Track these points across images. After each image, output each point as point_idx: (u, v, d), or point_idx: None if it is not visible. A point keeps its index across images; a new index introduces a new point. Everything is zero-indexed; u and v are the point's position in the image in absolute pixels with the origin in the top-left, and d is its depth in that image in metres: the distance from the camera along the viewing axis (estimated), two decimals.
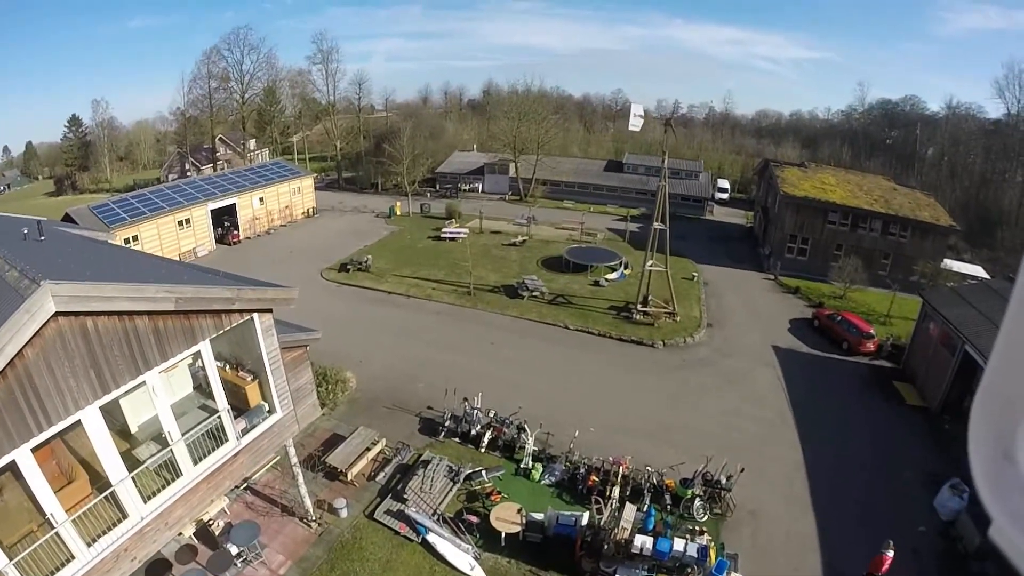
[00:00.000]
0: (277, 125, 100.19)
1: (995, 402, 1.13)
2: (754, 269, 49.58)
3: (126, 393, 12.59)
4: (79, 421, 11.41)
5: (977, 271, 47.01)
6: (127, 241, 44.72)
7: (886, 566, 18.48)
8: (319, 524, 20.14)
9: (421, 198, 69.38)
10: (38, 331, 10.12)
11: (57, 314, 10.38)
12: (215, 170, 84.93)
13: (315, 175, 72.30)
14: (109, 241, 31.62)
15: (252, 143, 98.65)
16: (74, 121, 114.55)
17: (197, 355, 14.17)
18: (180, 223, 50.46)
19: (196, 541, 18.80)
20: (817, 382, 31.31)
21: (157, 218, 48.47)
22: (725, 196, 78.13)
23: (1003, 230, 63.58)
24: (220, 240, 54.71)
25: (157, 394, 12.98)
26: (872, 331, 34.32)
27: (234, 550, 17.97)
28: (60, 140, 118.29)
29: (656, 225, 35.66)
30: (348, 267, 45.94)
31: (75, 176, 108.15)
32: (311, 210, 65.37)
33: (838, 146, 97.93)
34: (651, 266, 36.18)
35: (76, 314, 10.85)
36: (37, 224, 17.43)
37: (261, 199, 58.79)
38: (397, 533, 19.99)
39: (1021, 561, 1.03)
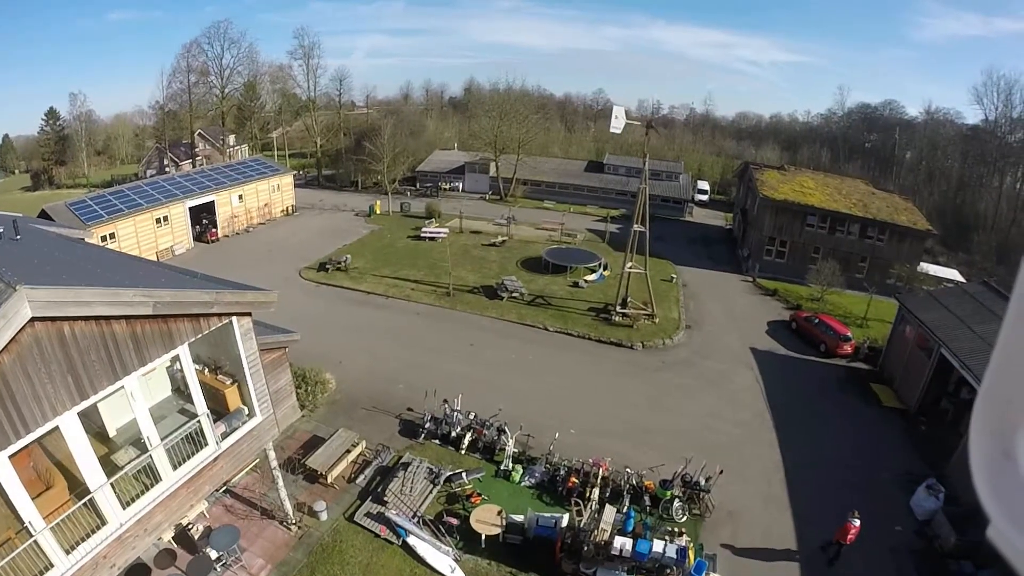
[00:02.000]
0: (257, 121, 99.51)
1: (996, 401, 1.13)
2: (733, 271, 50.06)
3: (104, 398, 12.47)
4: (57, 427, 11.29)
5: (953, 275, 47.63)
6: (104, 239, 44.26)
7: (851, 534, 19.29)
8: (299, 527, 20.07)
9: (401, 197, 69.14)
10: (14, 337, 9.96)
11: (34, 319, 10.23)
12: (194, 166, 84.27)
13: (295, 172, 71.83)
14: (86, 239, 31.28)
15: (232, 139, 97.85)
16: (51, 114, 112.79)
17: (176, 359, 14.07)
18: (158, 220, 49.89)
19: (175, 545, 18.65)
20: (795, 384, 31.63)
21: (135, 215, 47.87)
22: (705, 198, 78.71)
23: (979, 234, 64.41)
24: (198, 238, 54.15)
25: (135, 399, 12.86)
26: (849, 334, 34.71)
27: (214, 554, 17.85)
28: (37, 133, 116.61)
29: (636, 227, 35.80)
30: (327, 266, 45.71)
31: (52, 170, 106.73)
32: (290, 208, 64.97)
33: (817, 149, 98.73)
34: (630, 268, 36.31)
35: (53, 319, 10.71)
36: (13, 222, 17.22)
37: (240, 196, 58.31)
38: (377, 536, 19.95)
39: (1020, 562, 1.03)
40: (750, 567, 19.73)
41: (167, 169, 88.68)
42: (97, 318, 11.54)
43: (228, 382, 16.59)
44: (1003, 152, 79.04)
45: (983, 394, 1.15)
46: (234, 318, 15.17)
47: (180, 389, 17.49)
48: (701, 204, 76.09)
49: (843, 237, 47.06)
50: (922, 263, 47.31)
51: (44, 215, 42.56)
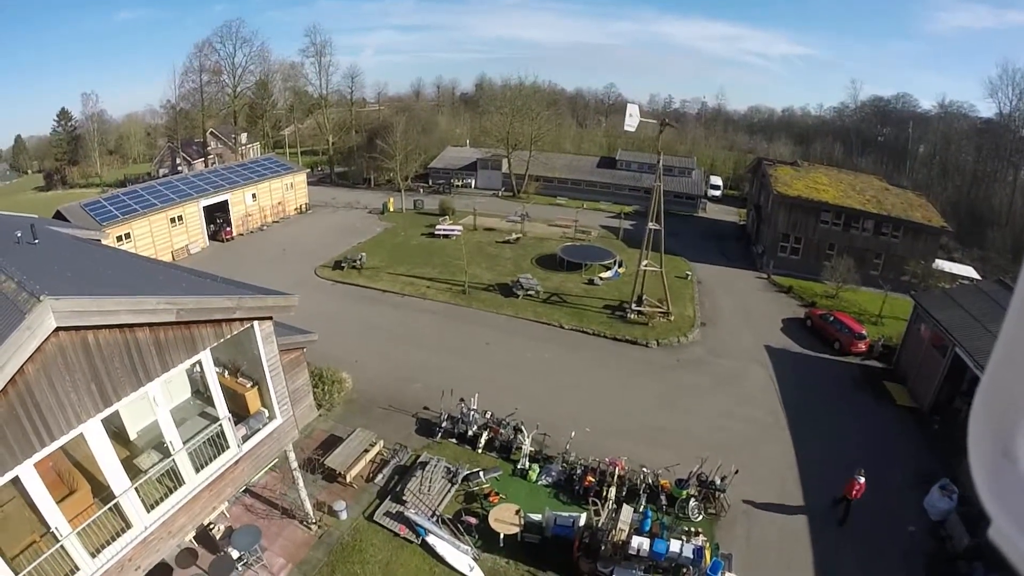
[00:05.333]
0: (269, 119, 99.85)
1: (995, 400, 1.13)
2: (747, 268, 49.84)
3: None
4: (81, 434, 11.43)
5: (968, 271, 47.30)
6: (119, 239, 44.59)
7: (855, 490, 20.83)
8: (319, 526, 20.23)
9: (414, 194, 69.31)
10: (39, 347, 10.10)
11: (58, 329, 10.36)
12: (206, 164, 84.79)
13: (307, 170, 72.02)
14: (101, 240, 31.55)
15: (244, 137, 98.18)
16: (63, 115, 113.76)
17: (197, 363, 14.18)
18: (172, 220, 50.20)
19: (196, 545, 18.84)
20: (809, 382, 31.52)
21: (149, 215, 48.18)
22: (718, 193, 78.32)
23: (993, 230, 63.88)
24: (213, 237, 54.46)
25: (158, 404, 13.00)
26: (864, 331, 34.53)
27: (235, 554, 18.02)
28: (49, 134, 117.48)
29: (651, 225, 35.72)
30: (342, 265, 45.82)
31: (65, 170, 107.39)
32: (304, 206, 65.27)
33: (830, 143, 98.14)
34: (646, 266, 36.28)
35: (77, 328, 10.84)
36: (30, 226, 17.39)
37: (254, 195, 58.63)
38: (397, 535, 20.10)
39: (1020, 562, 1.02)
40: (765, 565, 19.75)
41: (180, 168, 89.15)
42: (121, 326, 11.67)
43: (248, 385, 16.70)
44: (1018, 146, 78.48)
45: (982, 392, 1.15)
46: (255, 322, 15.28)
47: (200, 391, 17.67)
48: (714, 200, 75.67)
49: (858, 234, 46.76)
50: (937, 260, 47.06)
51: (59, 216, 42.91)
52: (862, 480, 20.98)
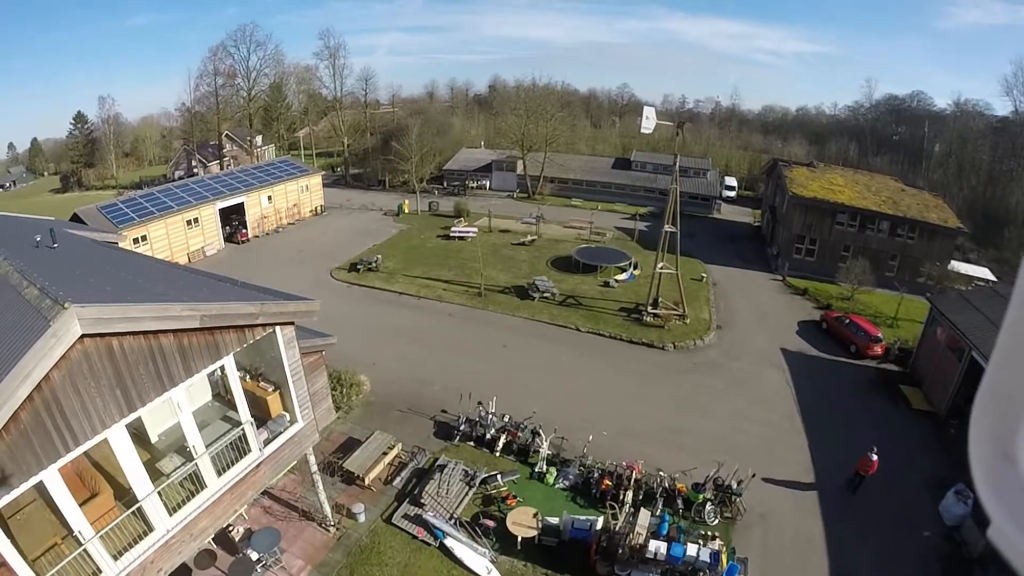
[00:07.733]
0: (283, 121, 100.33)
1: (995, 402, 1.14)
2: (762, 269, 49.61)
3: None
4: (105, 439, 11.56)
5: (984, 273, 46.98)
6: (136, 241, 44.95)
7: (867, 465, 22.15)
8: (337, 529, 20.35)
9: (429, 196, 69.41)
10: (64, 354, 10.21)
11: (83, 336, 10.47)
12: (222, 167, 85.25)
13: (322, 172, 72.31)
14: (119, 243, 31.77)
15: (259, 139, 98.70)
16: (79, 118, 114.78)
17: (220, 367, 14.30)
18: (189, 222, 50.51)
19: (215, 547, 18.97)
20: (825, 385, 31.35)
21: (166, 218, 48.49)
22: (732, 194, 77.93)
23: (1010, 230, 63.32)
24: (228, 239, 54.80)
25: (182, 409, 13.12)
26: (880, 334, 34.31)
27: (254, 556, 18.14)
28: (66, 137, 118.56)
29: (667, 227, 35.67)
30: (358, 267, 45.98)
31: (81, 173, 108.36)
32: (319, 208, 65.50)
33: (845, 142, 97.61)
34: (662, 268, 36.24)
35: (102, 335, 10.96)
36: (50, 230, 17.54)
37: (269, 197, 58.91)
38: (415, 537, 20.19)
39: (1020, 563, 1.04)
40: (781, 568, 19.72)
41: (195, 171, 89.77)
42: (145, 332, 11.78)
43: (270, 389, 16.84)
44: None
45: (982, 394, 1.16)
46: (277, 327, 15.40)
47: (220, 394, 17.82)
48: (729, 201, 75.29)
49: (873, 235, 46.54)
50: (953, 261, 46.75)
51: (76, 218, 43.27)
52: (875, 458, 21.98)
